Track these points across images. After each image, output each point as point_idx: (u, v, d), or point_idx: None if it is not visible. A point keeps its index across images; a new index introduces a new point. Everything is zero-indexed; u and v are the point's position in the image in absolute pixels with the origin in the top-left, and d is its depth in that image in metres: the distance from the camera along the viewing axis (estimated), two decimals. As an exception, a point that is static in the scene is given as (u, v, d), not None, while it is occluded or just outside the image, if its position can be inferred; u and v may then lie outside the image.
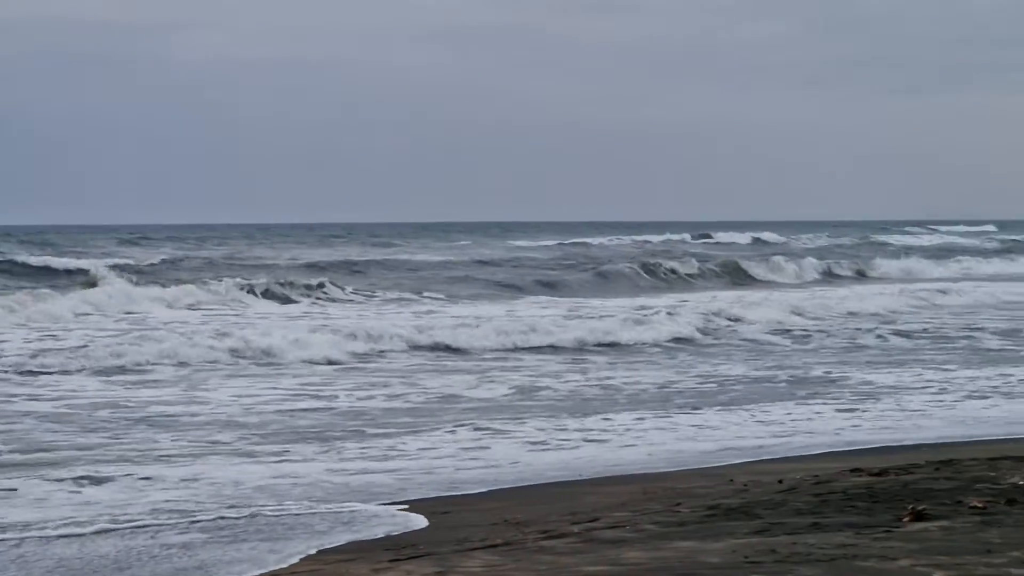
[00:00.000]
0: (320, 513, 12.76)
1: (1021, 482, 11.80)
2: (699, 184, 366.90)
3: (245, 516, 12.53)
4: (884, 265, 65.97)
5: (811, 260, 65.26)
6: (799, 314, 35.76)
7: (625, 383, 23.44)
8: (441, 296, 45.59)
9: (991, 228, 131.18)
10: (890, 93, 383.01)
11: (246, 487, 14.13)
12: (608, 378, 24.17)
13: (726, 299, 41.95)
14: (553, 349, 28.81)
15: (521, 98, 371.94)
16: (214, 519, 12.40)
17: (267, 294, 42.22)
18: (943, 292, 45.53)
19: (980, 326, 33.55)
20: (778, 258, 63.84)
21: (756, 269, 59.85)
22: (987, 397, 21.30)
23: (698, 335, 30.83)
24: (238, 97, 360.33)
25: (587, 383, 23.62)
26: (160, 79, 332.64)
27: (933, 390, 22.13)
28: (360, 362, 26.52)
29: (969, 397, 21.32)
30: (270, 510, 12.84)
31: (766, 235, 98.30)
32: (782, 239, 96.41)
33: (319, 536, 11.78)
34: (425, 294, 45.83)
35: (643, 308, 37.87)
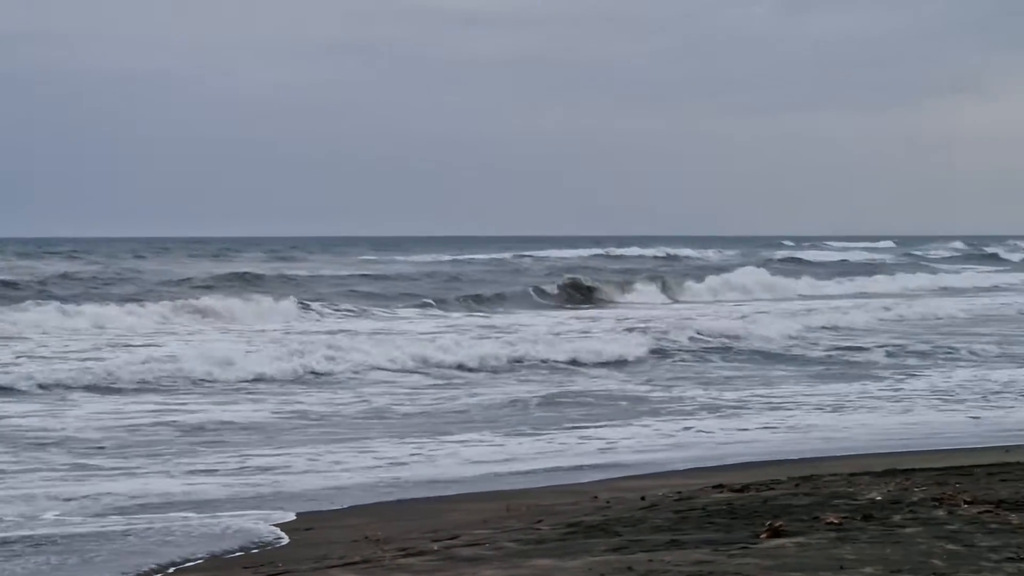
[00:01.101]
0: (177, 528, 12.57)
1: (878, 498, 11.92)
2: (559, 199, 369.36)
3: (98, 532, 12.33)
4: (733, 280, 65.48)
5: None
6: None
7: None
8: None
9: (889, 244, 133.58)
10: (747, 112, 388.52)
11: (102, 503, 13.91)
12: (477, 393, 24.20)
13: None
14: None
15: (382, 112, 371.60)
16: (66, 536, 12.18)
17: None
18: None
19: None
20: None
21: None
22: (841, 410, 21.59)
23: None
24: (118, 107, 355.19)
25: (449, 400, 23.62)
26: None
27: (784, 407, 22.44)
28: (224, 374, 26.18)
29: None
30: (122, 526, 12.63)
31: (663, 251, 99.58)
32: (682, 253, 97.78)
33: (174, 552, 11.60)
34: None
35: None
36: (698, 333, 33.27)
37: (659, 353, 30.65)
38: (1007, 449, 16.41)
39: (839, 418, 20.90)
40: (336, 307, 44.87)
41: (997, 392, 23.90)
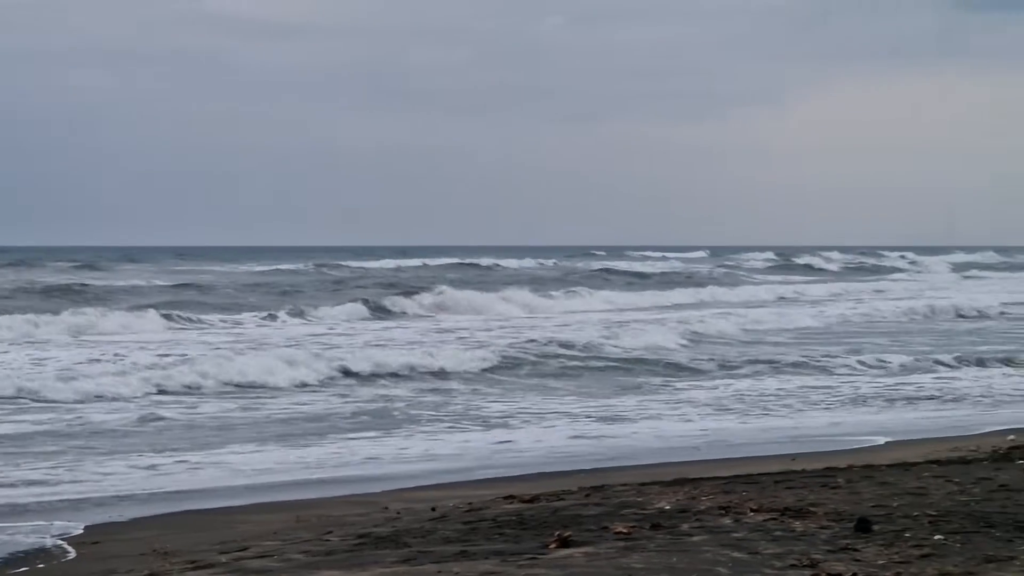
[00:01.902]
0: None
1: (667, 507, 12.05)
2: (375, 207, 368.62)
3: None
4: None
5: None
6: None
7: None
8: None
9: (702, 254, 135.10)
10: (558, 121, 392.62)
11: None
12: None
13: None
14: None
15: (197, 121, 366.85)
16: None
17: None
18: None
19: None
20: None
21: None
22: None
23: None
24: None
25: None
26: None
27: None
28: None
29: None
30: None
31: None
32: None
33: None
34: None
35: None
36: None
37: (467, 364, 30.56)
38: (793, 457, 16.74)
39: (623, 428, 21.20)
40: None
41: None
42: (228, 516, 13.82)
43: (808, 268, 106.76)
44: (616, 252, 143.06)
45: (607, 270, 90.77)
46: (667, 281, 78.95)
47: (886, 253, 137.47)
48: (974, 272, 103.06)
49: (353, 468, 17.40)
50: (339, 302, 51.07)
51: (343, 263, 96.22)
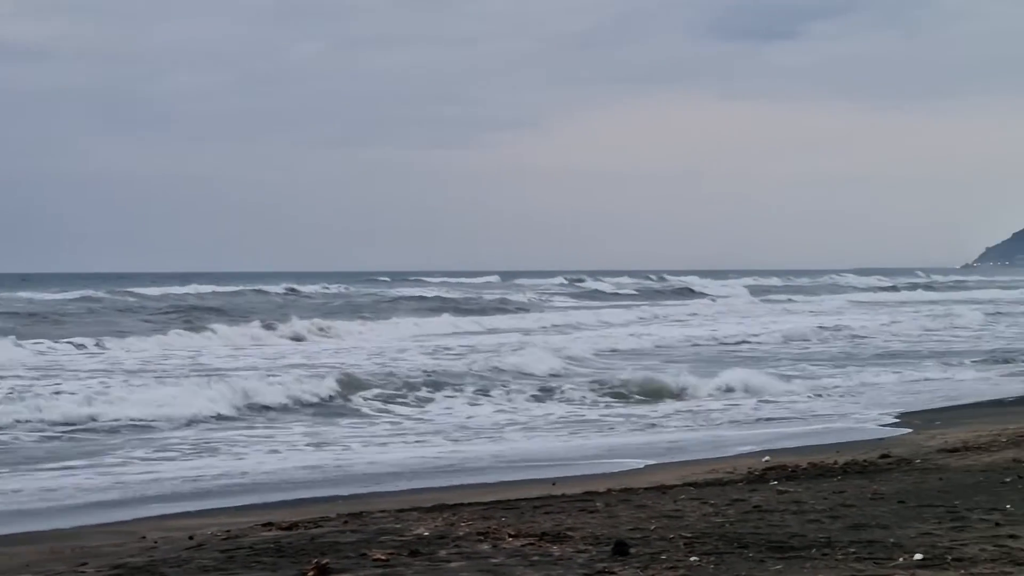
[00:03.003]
0: None
1: (426, 533, 12.02)
2: (134, 234, 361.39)
3: None
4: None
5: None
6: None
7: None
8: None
9: (494, 278, 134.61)
10: (318, 146, 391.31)
11: None
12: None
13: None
14: None
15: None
16: None
17: None
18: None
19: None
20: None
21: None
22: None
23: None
24: None
25: None
26: None
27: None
28: None
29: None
30: None
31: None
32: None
33: None
34: None
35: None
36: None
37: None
38: (554, 482, 16.85)
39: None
40: None
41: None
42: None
43: (601, 293, 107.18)
44: (400, 277, 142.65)
45: (420, 297, 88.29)
46: (483, 307, 78.79)
47: (667, 276, 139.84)
48: (771, 296, 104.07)
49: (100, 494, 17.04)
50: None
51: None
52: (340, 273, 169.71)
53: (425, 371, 33.15)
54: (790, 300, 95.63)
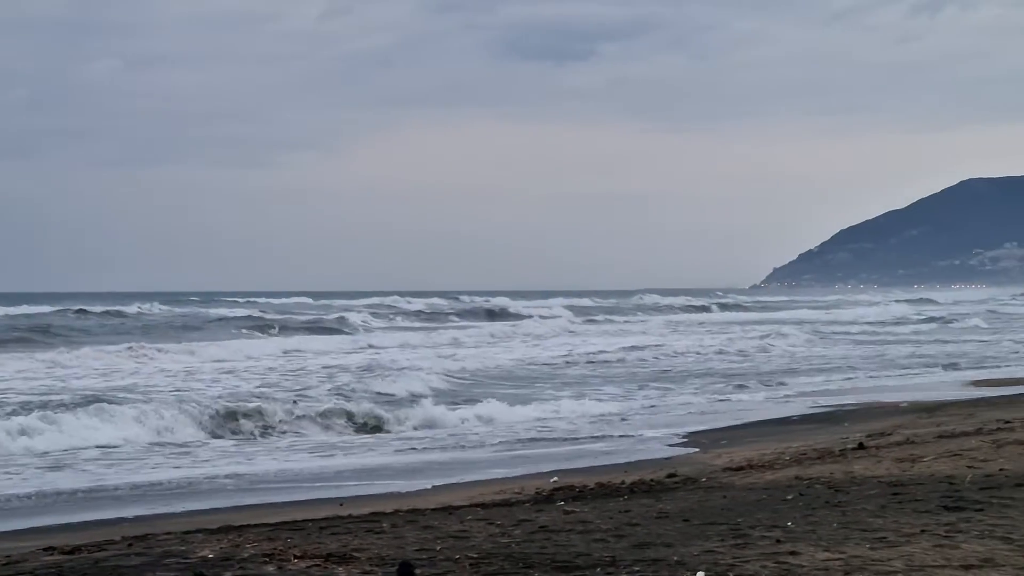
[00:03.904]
0: None
1: (210, 555, 11.85)
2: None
3: None
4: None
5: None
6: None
7: None
8: None
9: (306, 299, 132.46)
10: (107, 165, 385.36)
11: None
12: None
13: None
14: None
15: None
16: None
17: None
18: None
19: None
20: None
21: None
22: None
23: None
24: None
25: None
26: None
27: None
28: None
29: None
30: None
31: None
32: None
33: None
34: None
35: None
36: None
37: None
38: (341, 502, 16.76)
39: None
40: None
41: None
42: None
43: (439, 315, 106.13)
44: (208, 297, 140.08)
45: (249, 317, 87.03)
46: (306, 327, 78.36)
47: (463, 297, 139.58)
48: (595, 317, 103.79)
49: None
50: None
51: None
52: (125, 294, 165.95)
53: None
54: (609, 320, 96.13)
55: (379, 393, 33.38)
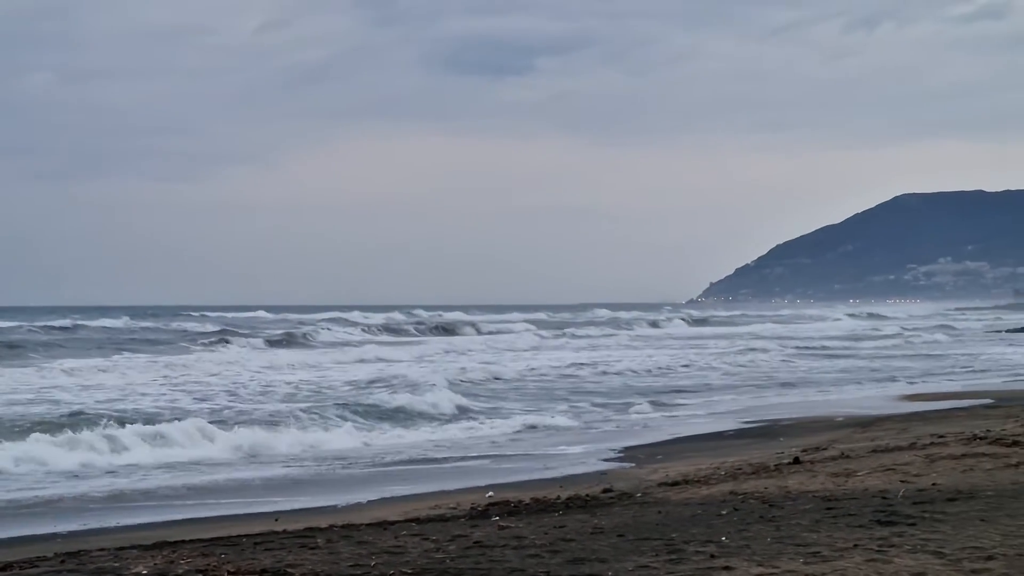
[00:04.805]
0: None
1: (144, 572, 11.77)
2: None
3: None
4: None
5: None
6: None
7: None
8: None
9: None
10: (39, 178, 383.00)
11: None
12: None
13: None
14: None
15: None
16: None
17: None
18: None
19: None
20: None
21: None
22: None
23: None
24: None
25: None
26: None
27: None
28: None
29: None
30: None
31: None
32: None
33: None
34: None
35: None
36: None
37: None
38: (276, 517, 16.68)
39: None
40: None
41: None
42: None
43: (405, 330, 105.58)
44: (165, 311, 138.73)
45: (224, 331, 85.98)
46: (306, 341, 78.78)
47: (418, 311, 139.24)
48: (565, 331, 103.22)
49: None
50: None
51: None
52: (69, 308, 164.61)
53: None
54: (572, 335, 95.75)
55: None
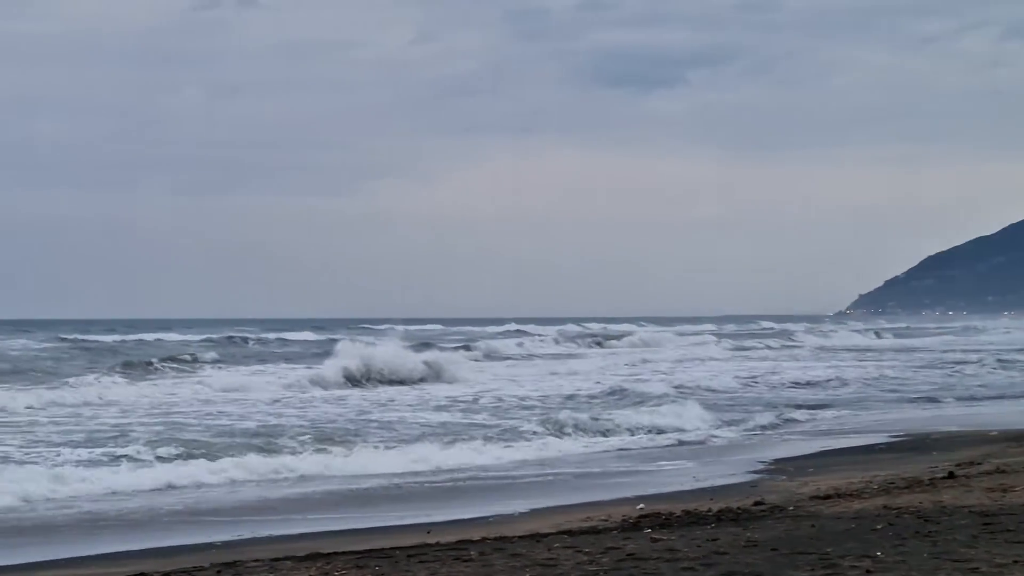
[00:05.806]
0: None
1: (301, 582, 11.93)
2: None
3: None
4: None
5: None
6: None
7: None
8: None
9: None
10: (188, 193, 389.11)
11: None
12: None
13: None
14: None
15: None
16: None
17: None
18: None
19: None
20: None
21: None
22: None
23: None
24: None
25: None
26: None
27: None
28: None
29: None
30: None
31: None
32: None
33: None
34: None
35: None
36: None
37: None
38: (428, 530, 16.79)
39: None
40: None
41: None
42: None
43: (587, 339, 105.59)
44: (345, 324, 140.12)
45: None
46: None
47: (590, 325, 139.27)
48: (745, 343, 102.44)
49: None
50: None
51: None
52: (220, 321, 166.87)
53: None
54: (768, 347, 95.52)
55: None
